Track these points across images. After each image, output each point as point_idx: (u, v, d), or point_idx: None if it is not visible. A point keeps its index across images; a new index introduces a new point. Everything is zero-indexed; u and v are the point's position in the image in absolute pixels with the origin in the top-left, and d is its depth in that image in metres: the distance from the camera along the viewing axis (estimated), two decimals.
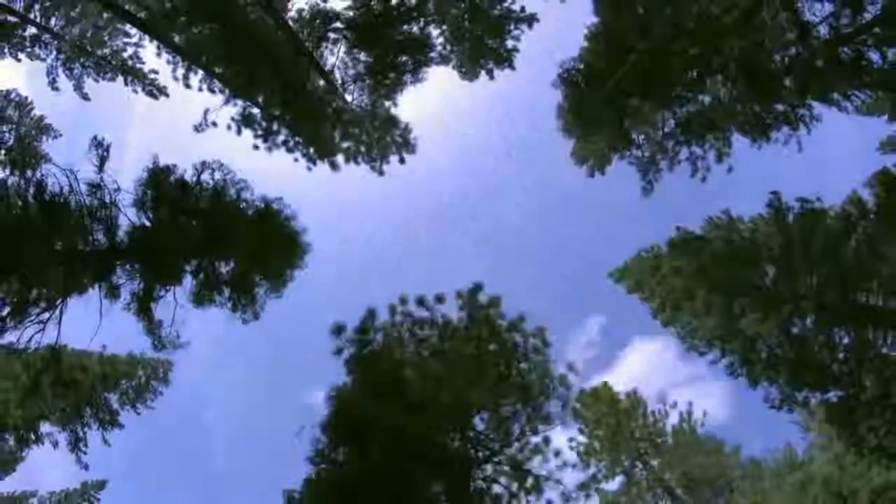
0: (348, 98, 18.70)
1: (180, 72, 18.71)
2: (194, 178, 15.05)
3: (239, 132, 18.54)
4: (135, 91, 22.08)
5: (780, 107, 15.93)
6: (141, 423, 20.05)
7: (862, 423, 14.97)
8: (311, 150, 18.98)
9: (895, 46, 14.71)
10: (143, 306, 14.84)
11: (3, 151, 20.85)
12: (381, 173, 19.67)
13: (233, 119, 18.54)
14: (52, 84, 21.44)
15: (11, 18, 20.49)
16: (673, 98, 16.80)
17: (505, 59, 18.59)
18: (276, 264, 15.66)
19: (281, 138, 18.93)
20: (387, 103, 18.84)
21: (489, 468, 13.09)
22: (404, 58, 17.75)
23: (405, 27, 17.39)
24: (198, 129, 18.43)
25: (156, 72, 21.51)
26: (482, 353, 13.41)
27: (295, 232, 15.80)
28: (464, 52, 18.43)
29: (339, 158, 19.32)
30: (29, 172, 14.82)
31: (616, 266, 19.91)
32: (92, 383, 18.73)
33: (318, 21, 17.73)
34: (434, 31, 18.00)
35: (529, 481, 12.80)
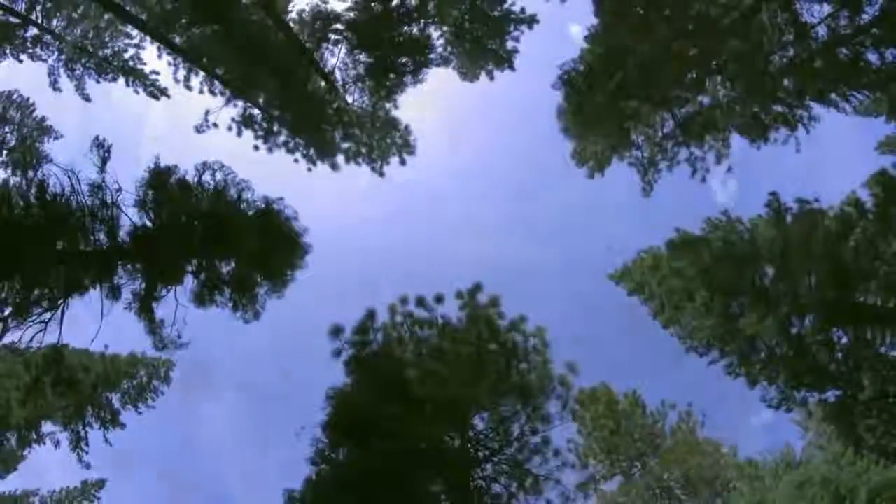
0: (349, 99, 18.77)
1: (181, 73, 18.81)
2: (195, 179, 15.13)
3: (239, 133, 18.65)
4: (136, 92, 22.17)
5: (778, 107, 15.98)
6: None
7: (860, 422, 15.04)
8: (312, 150, 19.06)
9: (893, 47, 14.76)
10: (144, 306, 14.91)
11: (5, 152, 20.94)
12: (381, 174, 19.75)
13: (233, 120, 18.64)
14: (54, 85, 21.55)
15: (13, 19, 20.58)
16: (672, 99, 16.86)
17: (505, 60, 18.66)
18: (277, 264, 15.73)
19: (281, 139, 19.02)
20: (387, 104, 18.92)
21: (489, 468, 13.16)
22: (404, 59, 17.82)
23: (405, 28, 17.45)
24: (199, 129, 18.52)
25: (157, 73, 21.62)
26: (482, 353, 13.48)
27: (296, 232, 15.87)
28: (464, 53, 18.49)
29: (340, 159, 19.41)
30: (31, 173, 14.90)
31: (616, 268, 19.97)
32: (93, 383, 18.81)
33: (318, 22, 17.81)
34: (434, 33, 18.07)
35: (529, 481, 12.86)
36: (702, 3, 15.35)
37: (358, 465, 12.50)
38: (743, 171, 16.78)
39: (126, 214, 14.68)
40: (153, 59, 20.60)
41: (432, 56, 17.92)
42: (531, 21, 17.92)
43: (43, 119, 23.29)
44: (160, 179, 14.84)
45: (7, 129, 21.75)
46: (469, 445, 13.13)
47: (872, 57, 14.81)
